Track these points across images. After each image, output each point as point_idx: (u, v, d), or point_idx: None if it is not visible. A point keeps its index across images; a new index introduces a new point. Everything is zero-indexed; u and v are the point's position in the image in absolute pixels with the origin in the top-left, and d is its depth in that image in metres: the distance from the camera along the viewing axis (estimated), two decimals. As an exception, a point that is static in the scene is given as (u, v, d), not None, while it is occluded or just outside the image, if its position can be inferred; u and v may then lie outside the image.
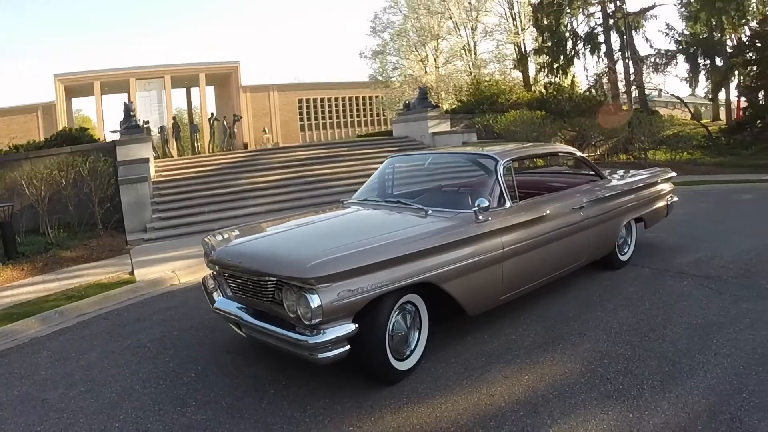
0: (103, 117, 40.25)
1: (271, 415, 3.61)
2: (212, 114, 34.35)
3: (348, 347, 3.51)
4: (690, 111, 27.51)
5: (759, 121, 19.97)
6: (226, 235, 4.84)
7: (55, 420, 3.85)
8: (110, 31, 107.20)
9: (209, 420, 3.63)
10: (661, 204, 7.15)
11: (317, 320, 3.39)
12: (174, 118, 33.43)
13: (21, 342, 5.72)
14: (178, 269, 8.10)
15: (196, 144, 34.32)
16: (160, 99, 43.15)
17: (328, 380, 4.01)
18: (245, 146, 34.23)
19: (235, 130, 31.45)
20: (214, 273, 4.76)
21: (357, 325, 3.53)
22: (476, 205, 4.36)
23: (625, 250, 6.67)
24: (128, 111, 14.77)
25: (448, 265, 4.06)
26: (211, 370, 4.43)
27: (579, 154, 6.79)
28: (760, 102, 20.08)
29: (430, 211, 4.62)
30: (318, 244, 4.06)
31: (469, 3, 35.89)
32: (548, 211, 5.09)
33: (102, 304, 6.90)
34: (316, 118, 50.17)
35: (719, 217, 9.81)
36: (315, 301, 3.36)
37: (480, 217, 4.39)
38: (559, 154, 7.39)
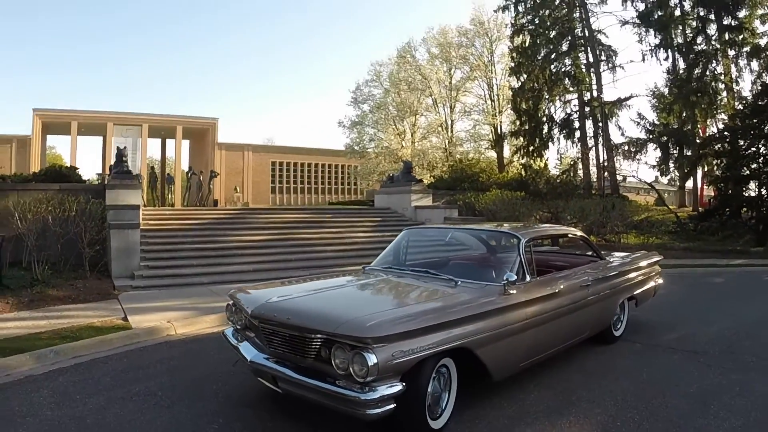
0: (76, 158, 39.81)
1: (310, 468, 3.68)
2: (190, 168, 34.43)
3: (394, 405, 3.67)
4: (660, 196, 28.66)
5: (727, 209, 20.95)
6: (260, 291, 4.99)
7: (74, 464, 3.74)
8: (88, 72, 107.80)
9: (245, 471, 3.66)
10: (650, 285, 7.64)
11: (371, 378, 3.55)
12: (152, 168, 33.36)
13: (15, 378, 5.66)
14: (174, 320, 8.08)
15: (170, 196, 34.23)
16: (135, 147, 43.02)
17: (357, 437, 4.11)
18: (215, 203, 34.22)
19: (211, 186, 31.56)
20: (240, 327, 4.88)
21: (404, 384, 3.70)
22: (505, 278, 4.69)
23: (619, 326, 7.06)
24: (120, 156, 14.83)
25: (482, 332, 4.31)
26: (234, 424, 4.44)
27: (581, 234, 7.21)
28: (728, 192, 21.05)
29: (459, 282, 4.91)
30: (368, 307, 4.30)
31: (450, 82, 37.22)
32: (562, 287, 5.43)
33: (98, 347, 6.85)
34: (287, 182, 50.64)
35: (695, 298, 10.44)
36: (372, 359, 3.53)
37: (509, 290, 4.68)
38: (569, 235, 7.84)
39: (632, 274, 7.14)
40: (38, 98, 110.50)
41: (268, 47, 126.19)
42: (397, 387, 3.67)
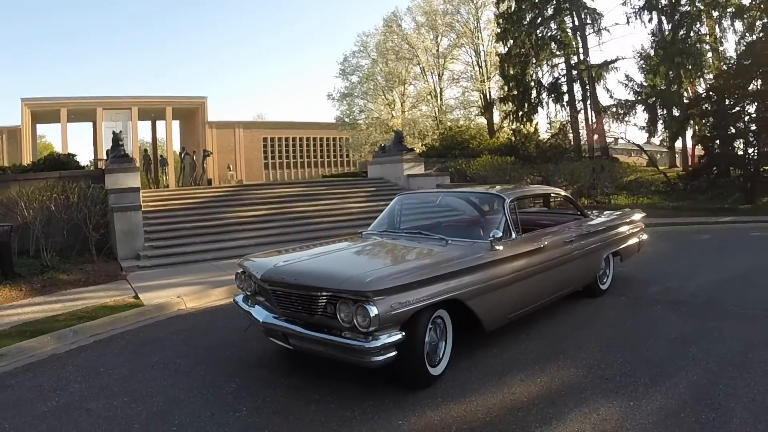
0: (68, 145, 39.87)
1: (323, 415, 4.08)
2: (183, 148, 34.60)
3: (395, 353, 4.08)
4: (649, 158, 28.96)
5: (715, 168, 21.33)
6: (268, 258, 5.37)
7: (108, 427, 4.10)
8: (74, 64, 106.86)
9: (264, 422, 4.04)
10: (634, 241, 8.03)
11: (373, 328, 3.96)
12: (145, 151, 33.52)
13: (40, 358, 5.98)
14: (183, 295, 8.46)
15: (164, 177, 34.45)
16: (126, 130, 43.03)
17: (363, 387, 4.52)
18: (209, 182, 34.47)
19: (204, 165, 31.81)
20: (250, 293, 5.30)
21: (404, 333, 4.12)
22: (491, 235, 5.10)
23: (605, 280, 7.49)
24: (117, 140, 15.10)
25: (472, 285, 4.74)
26: (251, 382, 4.84)
27: (564, 194, 7.61)
28: (716, 151, 21.39)
29: (449, 241, 5.32)
30: (367, 265, 4.76)
31: (437, 50, 37.29)
32: (546, 243, 5.84)
33: (114, 325, 7.21)
34: (280, 157, 50.87)
35: (681, 254, 10.84)
36: (373, 311, 3.93)
37: (496, 246, 5.08)
38: (551, 195, 8.23)
39: (615, 230, 7.55)
40: (25, 93, 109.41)
41: (253, 22, 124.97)
42: (398, 336, 4.08)
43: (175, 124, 47.16)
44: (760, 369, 4.59)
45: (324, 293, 4.29)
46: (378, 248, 5.66)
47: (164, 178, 35.53)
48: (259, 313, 4.96)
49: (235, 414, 4.20)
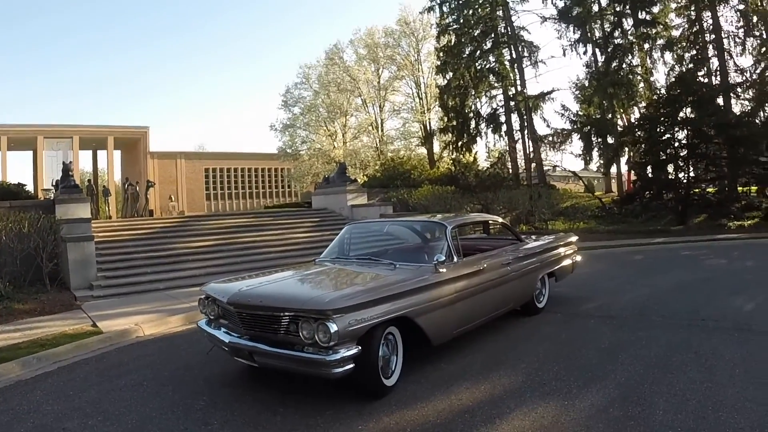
0: (7, 173, 38.87)
1: (290, 424, 4.50)
2: (127, 179, 34.32)
3: (353, 365, 4.57)
4: (585, 184, 30.37)
5: (648, 193, 22.65)
6: (231, 284, 5.82)
7: (85, 443, 4.39)
8: (10, 83, 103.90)
9: (236, 432, 4.43)
10: (567, 262, 8.80)
11: (333, 343, 4.44)
12: (89, 181, 33.05)
13: (7, 383, 6.13)
14: (141, 323, 8.69)
15: (106, 208, 34.02)
16: (66, 159, 42.21)
17: (324, 400, 4.97)
18: (151, 213, 34.21)
19: (148, 196, 31.65)
20: (214, 317, 5.73)
21: (360, 347, 4.62)
22: (435, 259, 5.72)
23: (541, 299, 8.19)
24: (67, 171, 15.17)
25: (419, 304, 5.30)
26: (218, 399, 5.19)
27: (502, 221, 8.32)
28: (649, 176, 22.75)
29: (397, 265, 5.90)
30: (325, 287, 5.33)
31: (378, 82, 38.30)
32: (485, 265, 6.49)
33: (76, 351, 7.40)
34: (222, 188, 50.82)
35: (615, 274, 11.75)
36: (333, 327, 4.42)
37: (439, 269, 5.67)
38: (489, 222, 8.93)
39: (549, 253, 8.29)
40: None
41: (195, 52, 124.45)
42: (354, 350, 4.57)
43: (117, 154, 46.65)
44: (680, 370, 5.28)
45: (287, 313, 4.75)
46: (333, 273, 6.18)
47: (106, 208, 35.07)
48: (224, 336, 5.36)
49: (207, 427, 4.54)
